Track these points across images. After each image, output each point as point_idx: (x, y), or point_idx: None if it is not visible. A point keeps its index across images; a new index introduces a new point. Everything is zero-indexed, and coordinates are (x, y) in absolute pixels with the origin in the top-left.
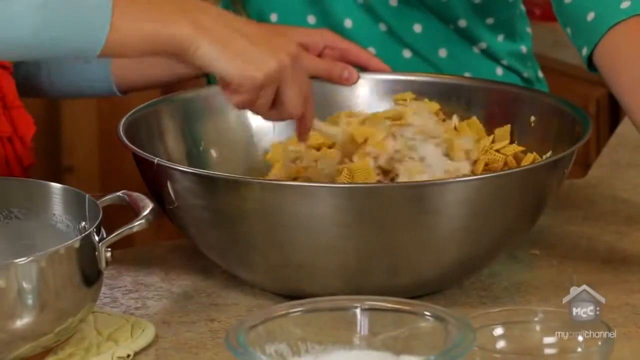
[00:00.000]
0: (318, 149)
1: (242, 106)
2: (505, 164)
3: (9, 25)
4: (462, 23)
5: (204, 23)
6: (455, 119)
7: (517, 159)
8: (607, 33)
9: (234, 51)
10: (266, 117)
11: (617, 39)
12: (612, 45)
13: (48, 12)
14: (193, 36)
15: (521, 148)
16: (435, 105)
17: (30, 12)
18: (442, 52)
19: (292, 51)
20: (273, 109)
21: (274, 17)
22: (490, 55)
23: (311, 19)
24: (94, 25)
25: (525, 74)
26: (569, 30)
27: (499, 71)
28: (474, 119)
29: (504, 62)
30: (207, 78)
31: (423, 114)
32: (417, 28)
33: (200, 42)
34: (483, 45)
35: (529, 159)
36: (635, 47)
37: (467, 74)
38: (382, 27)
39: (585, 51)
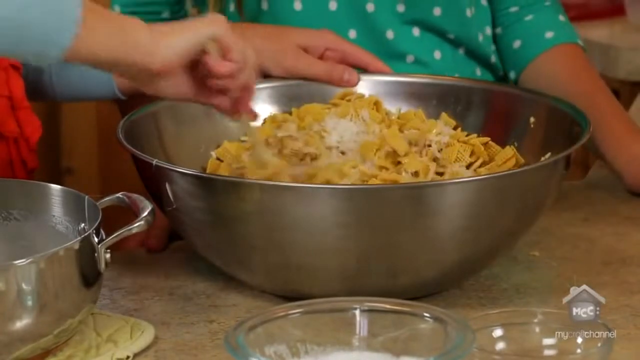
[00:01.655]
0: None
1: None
2: (473, 153)
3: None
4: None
5: (157, 28)
6: (394, 111)
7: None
8: (532, 61)
9: (182, 28)
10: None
11: (541, 65)
12: (536, 71)
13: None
14: (153, 38)
15: (485, 139)
16: (373, 98)
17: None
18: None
19: (222, 21)
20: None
21: (298, 5)
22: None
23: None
24: (65, 16)
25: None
26: (500, 55)
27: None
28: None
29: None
30: None
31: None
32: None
33: (153, 40)
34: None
35: (507, 152)
36: (557, 73)
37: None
38: (400, 7)
39: (512, 75)
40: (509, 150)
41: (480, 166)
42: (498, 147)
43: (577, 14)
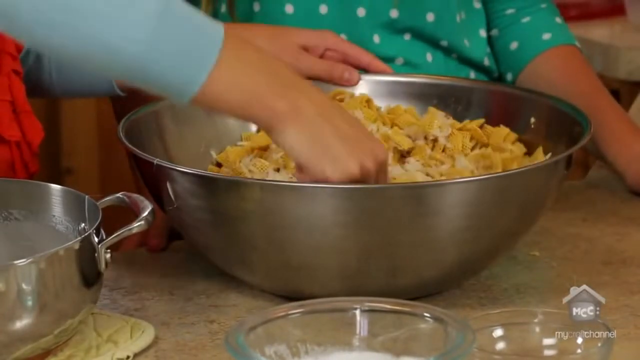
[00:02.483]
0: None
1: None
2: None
3: (123, 30)
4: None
5: (300, 104)
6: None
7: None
8: (530, 62)
9: (320, 146)
10: None
11: (539, 67)
12: (534, 72)
13: (161, 24)
14: (285, 116)
15: (480, 121)
16: (365, 97)
17: (146, 18)
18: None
19: (380, 158)
20: None
21: (289, 8)
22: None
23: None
24: (196, 63)
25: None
26: (495, 57)
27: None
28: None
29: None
30: None
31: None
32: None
33: (290, 124)
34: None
35: (502, 131)
36: (555, 74)
37: None
38: (393, 13)
39: (509, 76)
40: (504, 129)
41: (481, 148)
42: (493, 129)
43: (578, 14)
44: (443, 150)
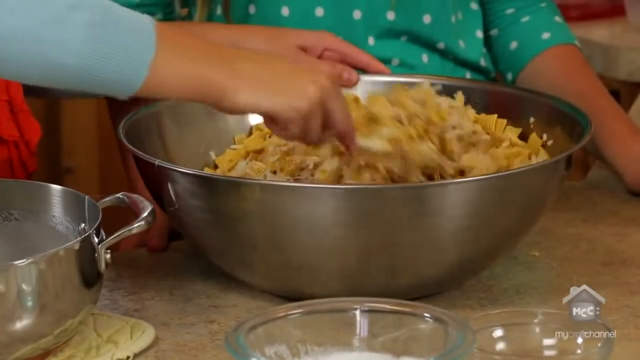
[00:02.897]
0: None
1: (295, 139)
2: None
3: (59, 47)
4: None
5: (237, 67)
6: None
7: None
8: (529, 62)
9: (274, 89)
10: (319, 142)
11: (538, 67)
12: (534, 72)
13: (95, 32)
14: (232, 81)
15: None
16: (352, 95)
17: (79, 31)
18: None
19: (326, 71)
20: (324, 133)
21: (285, 11)
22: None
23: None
24: (135, 59)
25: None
26: (493, 56)
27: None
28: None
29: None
30: None
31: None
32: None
33: (240, 86)
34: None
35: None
36: (555, 74)
37: None
38: (390, 15)
39: (509, 76)
40: (491, 116)
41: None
42: (483, 117)
43: (578, 14)
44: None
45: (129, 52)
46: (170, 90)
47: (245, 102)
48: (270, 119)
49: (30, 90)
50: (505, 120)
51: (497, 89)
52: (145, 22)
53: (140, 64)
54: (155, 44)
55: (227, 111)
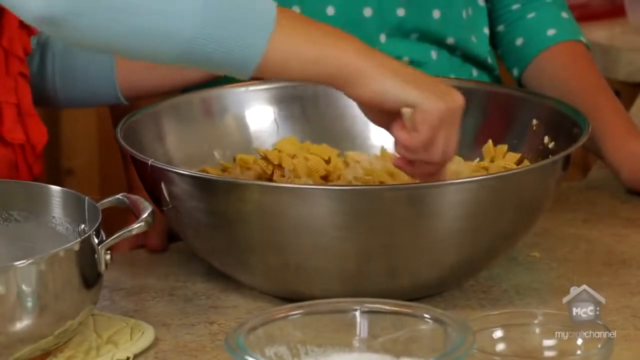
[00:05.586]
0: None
1: (418, 149)
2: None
3: (170, 20)
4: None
5: (382, 58)
6: None
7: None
8: (534, 58)
9: (420, 84)
10: (440, 159)
11: (543, 63)
12: (538, 69)
13: (209, 12)
14: (376, 69)
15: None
16: None
17: (197, 2)
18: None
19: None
20: (425, 151)
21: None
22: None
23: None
24: (254, 35)
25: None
26: (500, 52)
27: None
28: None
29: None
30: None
31: None
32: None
33: (384, 75)
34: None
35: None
36: (558, 71)
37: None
38: (400, 11)
39: (515, 72)
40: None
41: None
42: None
43: (578, 15)
44: None
45: (248, 24)
46: (292, 70)
47: (387, 89)
48: (401, 124)
49: (33, 99)
50: (505, 146)
51: (498, 90)
52: None
53: (259, 38)
54: (275, 20)
55: (355, 96)
